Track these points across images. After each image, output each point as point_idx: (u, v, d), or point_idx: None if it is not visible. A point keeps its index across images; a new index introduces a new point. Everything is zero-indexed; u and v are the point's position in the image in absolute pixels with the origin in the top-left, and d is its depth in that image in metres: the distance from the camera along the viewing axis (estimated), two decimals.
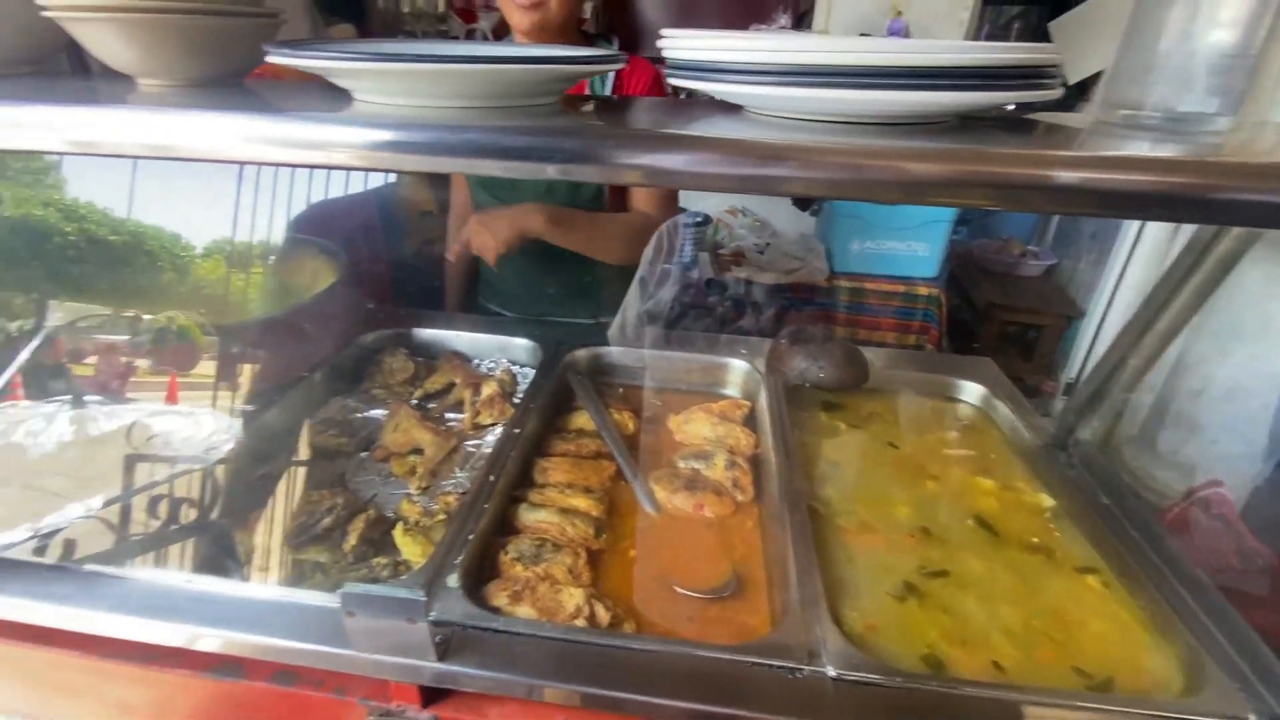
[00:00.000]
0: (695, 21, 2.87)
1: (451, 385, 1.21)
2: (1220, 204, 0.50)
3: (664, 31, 0.58)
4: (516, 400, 1.16)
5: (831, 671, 0.65)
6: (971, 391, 1.18)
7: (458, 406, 1.17)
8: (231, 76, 0.74)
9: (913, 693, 0.63)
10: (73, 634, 0.74)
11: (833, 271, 2.30)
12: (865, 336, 2.27)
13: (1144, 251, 2.73)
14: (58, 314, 1.12)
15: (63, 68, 0.88)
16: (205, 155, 0.58)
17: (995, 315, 3.02)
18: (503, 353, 1.29)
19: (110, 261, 1.18)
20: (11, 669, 0.81)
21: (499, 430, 1.11)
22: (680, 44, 0.56)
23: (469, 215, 1.50)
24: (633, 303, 1.45)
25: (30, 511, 0.82)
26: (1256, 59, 0.55)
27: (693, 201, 2.53)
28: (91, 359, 1.09)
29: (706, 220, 2.65)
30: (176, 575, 0.75)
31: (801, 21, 2.70)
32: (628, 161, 0.50)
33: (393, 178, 1.94)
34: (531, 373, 1.24)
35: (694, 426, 1.11)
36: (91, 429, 0.97)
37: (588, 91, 1.31)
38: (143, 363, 1.02)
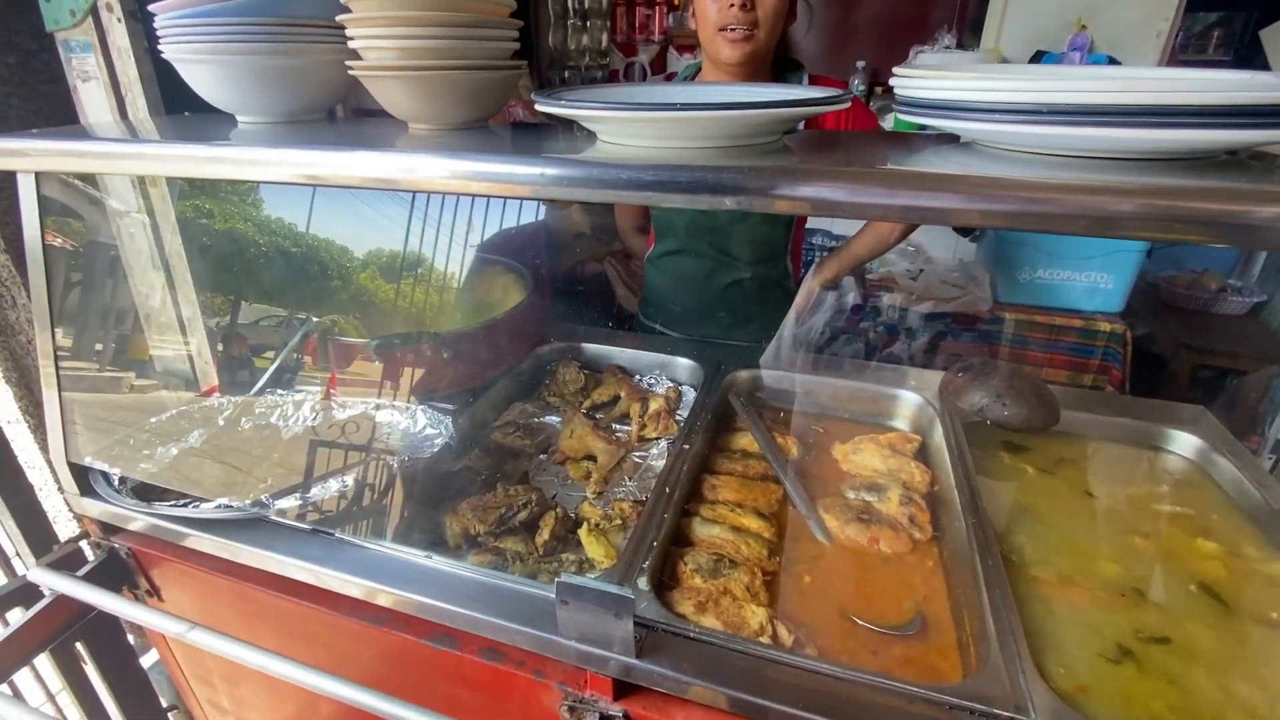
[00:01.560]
0: (854, 44, 2.84)
1: (616, 398, 1.28)
2: None
3: (896, 70, 0.59)
4: (678, 417, 1.21)
5: None
6: (1184, 442, 1.06)
7: (623, 418, 1.24)
8: (482, 120, 0.85)
9: None
10: (319, 590, 0.88)
11: (997, 301, 2.15)
12: (1037, 374, 2.10)
13: None
14: (247, 315, 1.31)
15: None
16: (468, 191, 0.68)
17: (1185, 358, 2.67)
18: (663, 370, 1.35)
19: (295, 270, 1.37)
20: (267, 612, 0.97)
21: (662, 444, 1.16)
22: (916, 84, 0.57)
23: (641, 229, 1.58)
24: (789, 326, 1.46)
25: (288, 483, 0.98)
26: None
27: (837, 225, 2.49)
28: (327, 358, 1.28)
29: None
30: (411, 550, 0.86)
31: (965, 38, 2.58)
32: (870, 201, 0.52)
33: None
34: (691, 390, 1.28)
35: (863, 457, 1.09)
36: (327, 418, 1.14)
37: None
38: (370, 364, 1.18)
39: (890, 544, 0.92)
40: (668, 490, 0.95)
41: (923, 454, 1.10)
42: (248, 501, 0.93)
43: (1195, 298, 2.93)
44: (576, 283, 2.42)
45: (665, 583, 0.84)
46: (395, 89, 0.75)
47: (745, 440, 1.15)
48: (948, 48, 2.43)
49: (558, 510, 0.97)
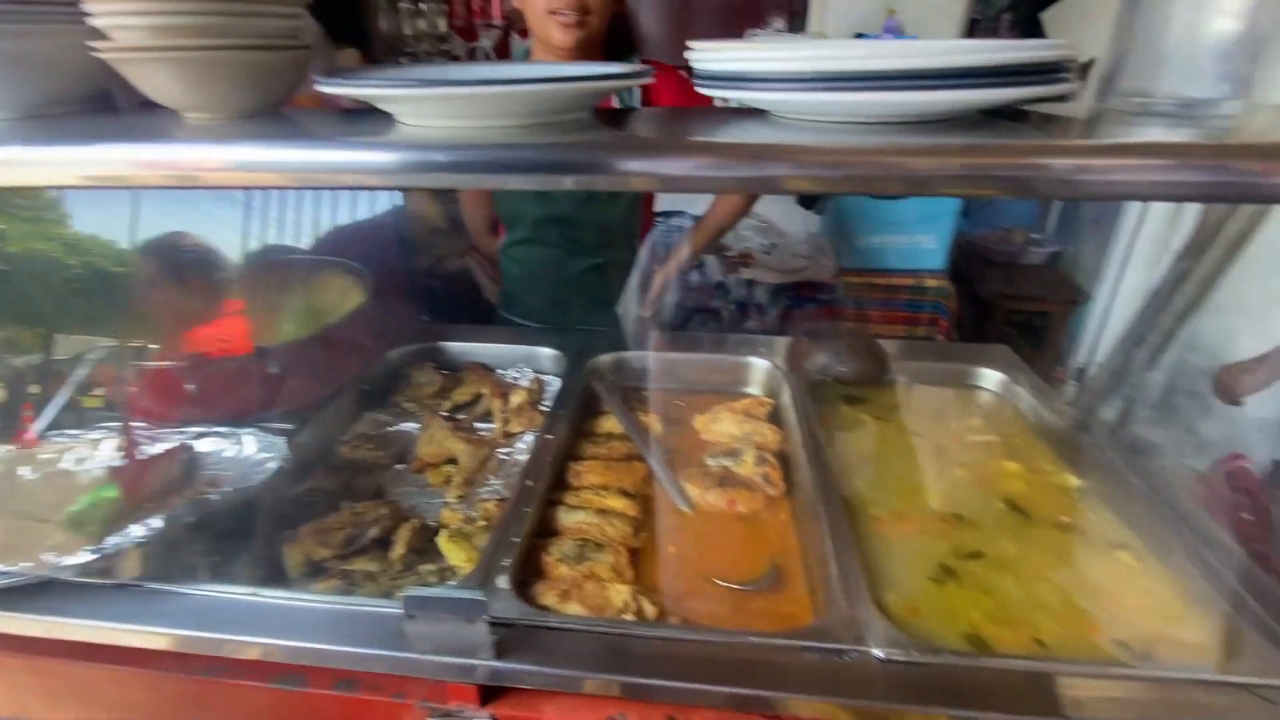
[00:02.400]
0: (693, 28, 2.92)
1: (479, 396, 1.23)
2: (1235, 184, 0.52)
3: (692, 44, 0.60)
4: (543, 407, 1.19)
5: (879, 653, 0.67)
6: (990, 378, 1.20)
7: (487, 416, 1.19)
8: (270, 107, 0.77)
9: (959, 670, 0.65)
10: (137, 650, 0.77)
11: (840, 268, 2.32)
12: (875, 330, 2.29)
13: (1147, 234, 2.75)
14: (66, 347, 1.15)
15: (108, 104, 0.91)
16: (260, 184, 0.61)
17: (1001, 304, 3.04)
18: (526, 362, 1.32)
19: (115, 292, 1.21)
20: (76, 686, 0.84)
21: (529, 438, 1.13)
22: (709, 56, 0.59)
23: (487, 221, 1.53)
24: (631, 303, 1.48)
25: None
26: (1260, 45, 0.58)
27: (696, 206, 2.57)
28: (127, 387, 1.12)
29: None
30: (237, 589, 0.78)
31: (795, 24, 2.74)
32: (651, 170, 0.53)
33: (398, 198, 1.96)
34: (556, 380, 1.27)
35: (721, 425, 1.13)
36: (137, 454, 1.00)
37: (615, 104, 1.34)
38: (185, 389, 1.04)
39: (747, 503, 0.96)
40: (530, 483, 0.93)
41: (775, 416, 1.16)
42: (31, 564, 0.79)
43: (1005, 251, 3.33)
44: (439, 280, 2.31)
45: (531, 576, 0.82)
46: (153, 74, 0.66)
47: (610, 423, 1.15)
48: (779, 31, 2.56)
49: (414, 522, 0.91)
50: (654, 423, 1.14)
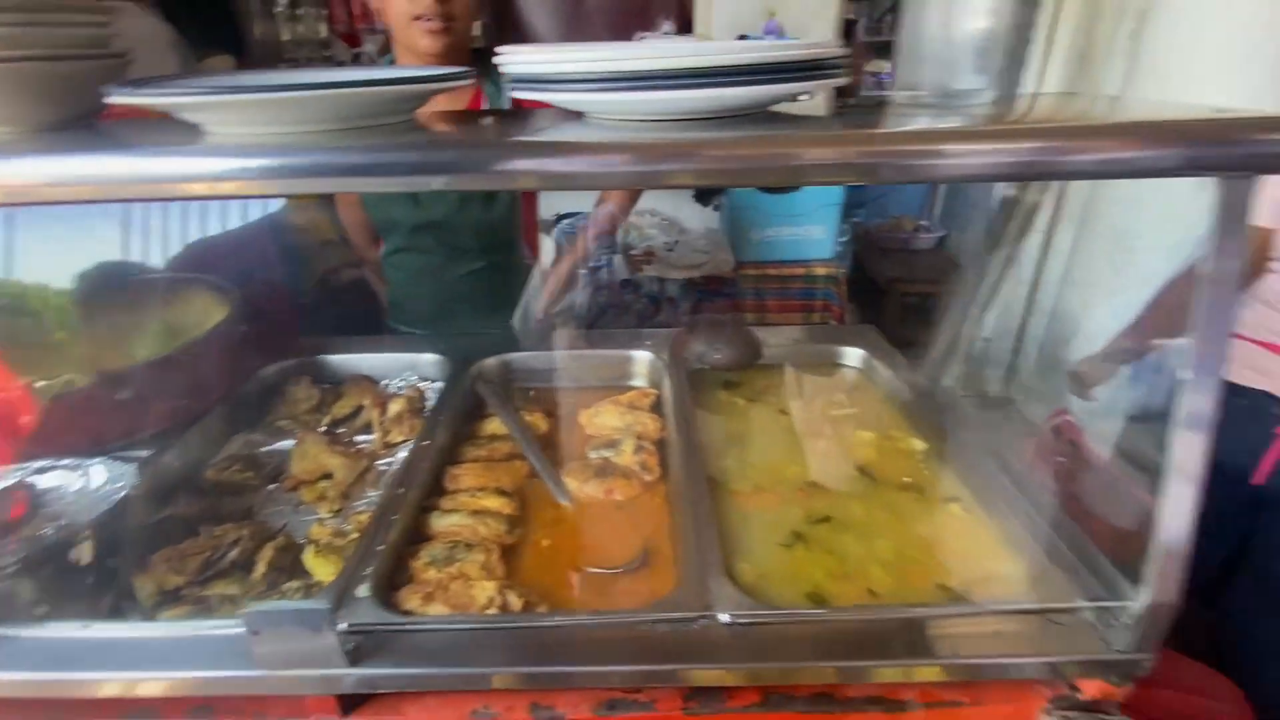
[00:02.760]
0: (585, 32, 2.94)
1: (360, 408, 1.21)
2: (994, 165, 0.58)
3: (499, 49, 0.62)
4: (426, 415, 1.18)
5: (724, 618, 0.71)
6: (853, 356, 1.28)
7: (368, 428, 1.17)
8: (82, 119, 0.73)
9: (795, 624, 0.70)
10: None
11: (738, 262, 2.41)
12: (774, 319, 2.39)
13: (1017, 215, 2.97)
14: None
15: None
16: (58, 199, 0.59)
17: (895, 289, 3.23)
18: (411, 370, 1.30)
19: None
20: None
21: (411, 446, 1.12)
22: (516, 59, 0.61)
23: (366, 230, 1.50)
24: (533, 301, 1.50)
25: None
26: (1009, 40, 0.65)
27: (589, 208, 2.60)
28: None
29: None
30: (73, 626, 0.74)
31: (682, 26, 2.81)
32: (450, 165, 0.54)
33: (276, 208, 1.88)
34: (442, 387, 1.26)
35: (603, 418, 1.16)
36: None
37: (484, 105, 1.34)
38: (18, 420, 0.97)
39: (623, 491, 0.99)
40: (401, 490, 0.93)
41: (658, 406, 1.20)
42: None
43: (897, 239, 3.55)
44: (333, 292, 2.24)
45: (401, 583, 0.82)
46: None
47: (494, 425, 1.15)
48: (667, 33, 2.63)
49: (278, 540, 0.89)
50: (539, 421, 1.16)
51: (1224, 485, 1.28)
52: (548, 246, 2.54)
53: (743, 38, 2.61)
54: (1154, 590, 0.64)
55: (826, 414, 1.12)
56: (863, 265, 3.71)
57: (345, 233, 1.63)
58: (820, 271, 2.35)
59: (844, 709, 0.70)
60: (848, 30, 3.55)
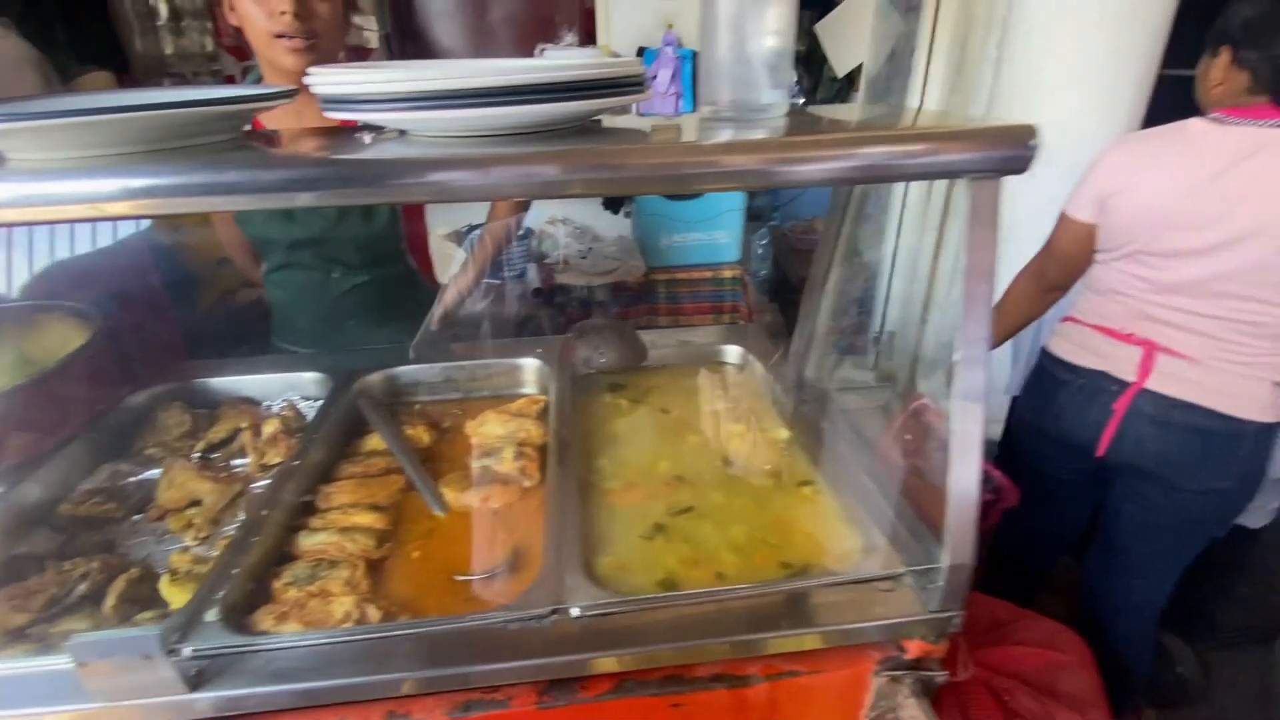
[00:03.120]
0: (490, 44, 2.95)
1: (237, 432, 1.18)
2: (785, 174, 0.63)
3: (310, 70, 0.63)
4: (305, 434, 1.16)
5: (575, 611, 0.73)
6: (734, 354, 1.34)
7: (245, 452, 1.15)
8: None
9: (643, 611, 0.74)
10: None
11: (649, 267, 2.46)
12: (686, 321, 2.45)
13: (910, 215, 3.16)
14: None
15: None
16: None
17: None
18: (293, 390, 1.28)
19: None
20: None
21: None
22: (325, 80, 0.62)
23: (246, 252, 1.46)
24: (434, 320, 1.49)
25: None
26: (793, 56, 0.71)
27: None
28: None
29: (529, 233, 2.73)
30: None
31: (585, 36, 2.86)
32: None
33: (146, 228, 1.79)
34: (320, 405, 1.24)
35: (487, 428, 1.17)
36: None
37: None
38: None
39: (500, 498, 1.00)
40: (265, 511, 0.92)
41: (546, 413, 1.22)
42: None
43: (809, 239, 3.69)
44: (231, 313, 2.16)
45: (261, 605, 0.81)
46: None
47: (375, 441, 1.15)
48: (570, 45, 2.66)
49: (133, 571, 0.86)
50: (422, 434, 1.16)
51: (1073, 458, 1.41)
52: (460, 258, 2.53)
53: (642, 50, 2.68)
54: (952, 553, 0.70)
55: (703, 410, 1.17)
56: (780, 266, 3.84)
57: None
58: (727, 274, 2.43)
59: (692, 688, 0.74)
60: None
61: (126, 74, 2.38)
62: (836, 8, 3.88)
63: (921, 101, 2.98)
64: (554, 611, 0.74)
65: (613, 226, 2.78)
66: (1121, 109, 2.17)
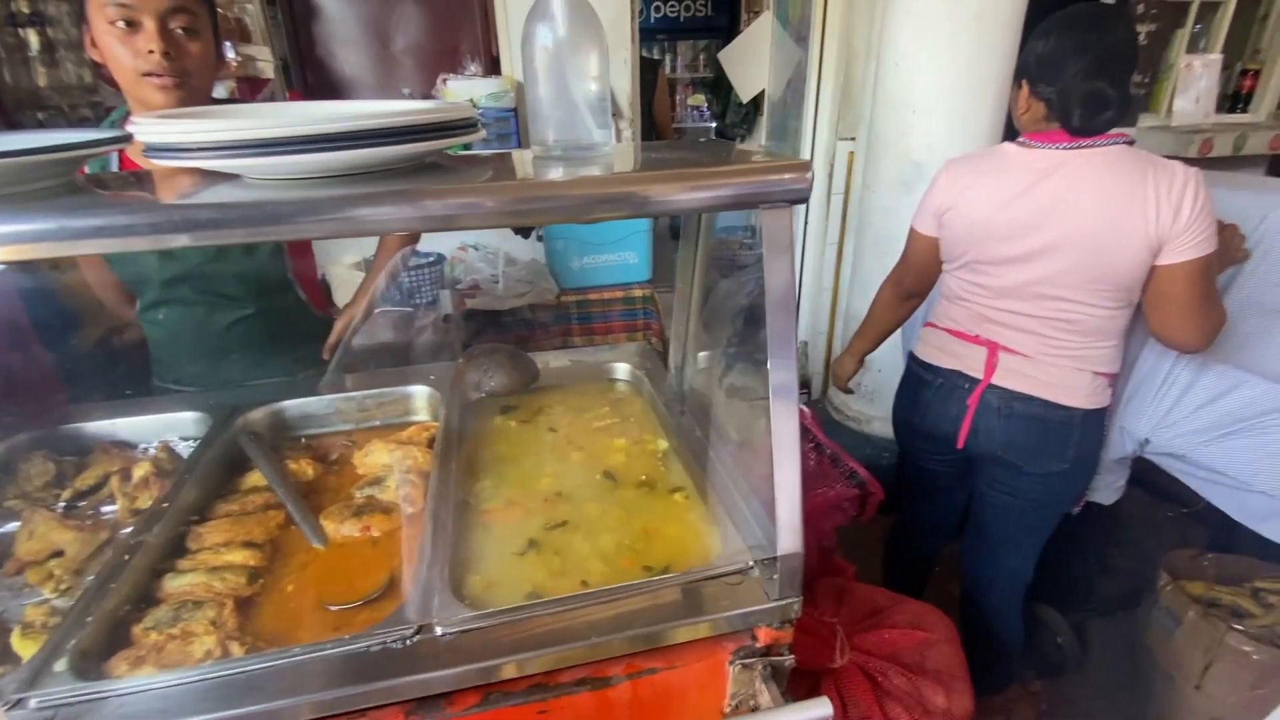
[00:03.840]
0: (397, 74, 2.95)
1: (108, 477, 1.14)
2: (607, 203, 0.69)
3: (134, 118, 0.65)
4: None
5: (439, 630, 0.76)
6: (623, 370, 1.39)
7: (115, 498, 1.11)
8: None
9: (504, 625, 0.77)
10: None
11: (562, 289, 2.50)
12: (600, 340, 2.50)
13: (812, 231, 3.33)
14: None
15: None
16: None
17: None
18: (171, 430, 1.25)
19: None
20: None
21: None
22: (148, 130, 0.64)
23: (114, 291, 1.41)
24: (328, 345, 1.48)
25: None
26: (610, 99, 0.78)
27: (426, 242, 2.60)
28: None
29: (441, 259, 2.73)
30: None
31: (489, 67, 2.91)
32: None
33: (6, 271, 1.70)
34: (196, 444, 1.21)
35: (374, 457, 1.18)
36: None
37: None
38: None
39: (380, 526, 1.01)
40: (126, 556, 0.90)
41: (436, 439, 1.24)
42: None
43: (725, 256, 3.84)
44: (111, 354, 2.06)
45: (116, 651, 0.79)
46: None
47: (255, 478, 1.13)
48: (474, 75, 2.71)
49: None
50: (306, 468, 1.15)
51: (940, 450, 1.54)
52: (343, 279, 2.49)
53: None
54: (783, 543, 0.77)
55: (589, 427, 1.22)
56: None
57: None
58: (638, 293, 2.50)
59: (556, 693, 0.77)
60: (652, 67, 3.83)
61: None
62: (737, 37, 4.09)
63: (815, 123, 3.18)
64: (418, 631, 0.76)
65: (525, 251, 2.81)
66: (979, 131, 2.39)
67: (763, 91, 4.03)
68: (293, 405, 1.29)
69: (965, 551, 1.65)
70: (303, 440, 1.26)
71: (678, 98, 5.56)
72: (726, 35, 5.07)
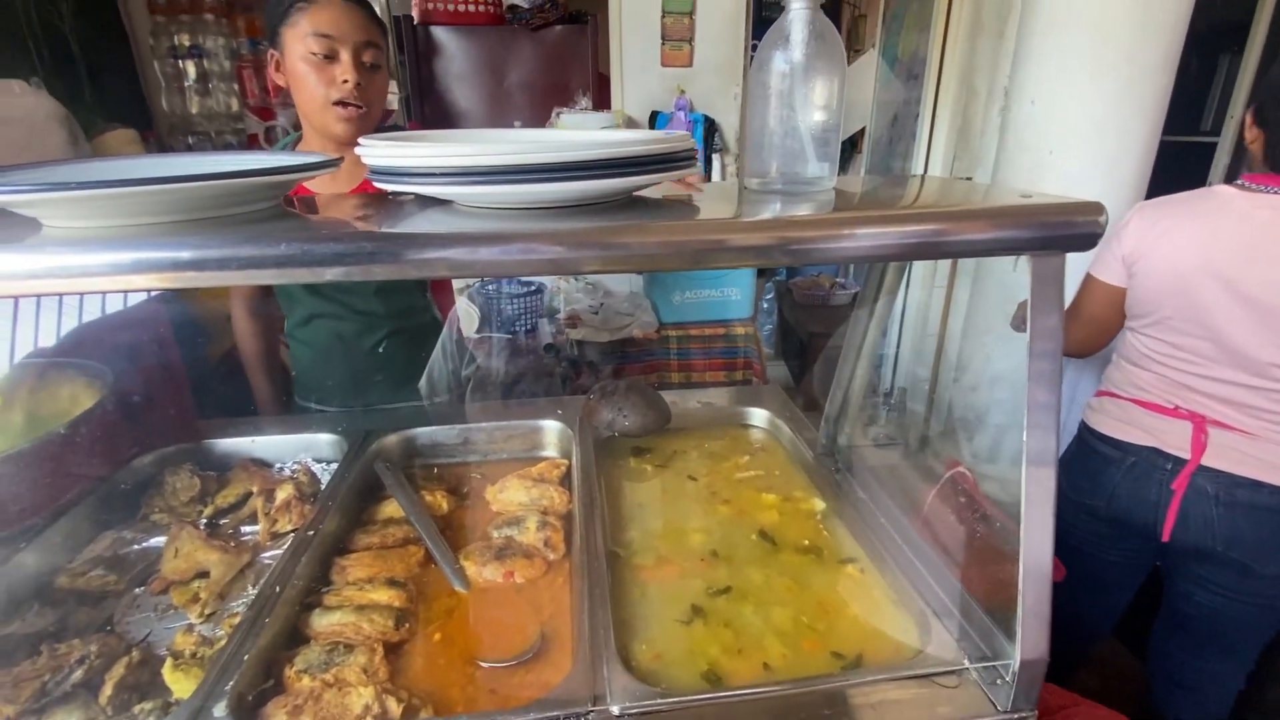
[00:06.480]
0: (509, 108, 3.03)
1: (248, 495, 1.13)
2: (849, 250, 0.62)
3: (362, 140, 0.63)
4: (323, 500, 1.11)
5: (615, 709, 0.68)
6: (759, 417, 1.30)
7: (255, 518, 1.10)
8: None
9: (688, 710, 0.68)
10: None
11: (661, 323, 2.45)
12: (698, 378, 2.42)
13: (918, 270, 3.18)
14: None
15: None
16: None
17: (817, 343, 3.36)
18: (307, 451, 1.24)
19: None
20: None
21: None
22: (376, 153, 0.61)
23: (251, 309, 1.44)
24: (437, 369, 1.46)
25: None
26: (840, 131, 0.71)
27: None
28: None
29: (541, 289, 2.73)
30: None
31: (600, 100, 2.94)
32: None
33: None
34: (336, 468, 1.20)
35: (509, 494, 1.12)
36: None
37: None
38: None
39: (524, 572, 0.95)
40: (278, 588, 0.86)
41: (569, 477, 1.18)
42: None
43: (816, 295, 3.72)
44: (232, 371, 2.13)
45: (270, 694, 0.75)
46: None
47: (392, 508, 1.10)
48: (584, 109, 2.74)
49: (133, 655, 0.80)
50: (441, 500, 1.11)
51: (1130, 541, 1.34)
52: (464, 308, 2.52)
53: (655, 114, 2.75)
54: (1025, 645, 0.65)
55: (731, 478, 1.13)
56: (787, 321, 3.85)
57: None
58: (740, 330, 2.41)
59: None
60: None
61: (150, 131, 2.43)
62: None
63: (926, 163, 3.06)
64: (592, 709, 0.68)
65: (624, 282, 2.79)
66: (1125, 174, 2.21)
67: (862, 129, 3.94)
68: (424, 433, 1.26)
69: (1159, 653, 1.41)
70: (434, 469, 1.23)
71: None
72: None
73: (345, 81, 1.18)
